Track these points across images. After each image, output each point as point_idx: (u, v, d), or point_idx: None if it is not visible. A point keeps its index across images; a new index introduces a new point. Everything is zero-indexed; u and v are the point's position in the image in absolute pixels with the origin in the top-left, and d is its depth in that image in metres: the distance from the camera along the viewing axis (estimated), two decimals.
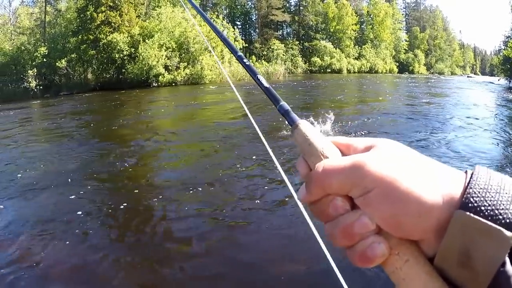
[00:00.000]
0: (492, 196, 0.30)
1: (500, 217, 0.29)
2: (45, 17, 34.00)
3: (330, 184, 0.37)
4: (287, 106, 0.53)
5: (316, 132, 0.44)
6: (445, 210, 0.31)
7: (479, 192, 0.30)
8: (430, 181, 0.33)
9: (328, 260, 0.55)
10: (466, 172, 0.33)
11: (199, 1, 35.62)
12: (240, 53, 0.74)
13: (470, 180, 0.31)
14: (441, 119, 10.62)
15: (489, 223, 0.29)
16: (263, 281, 3.07)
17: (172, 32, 28.48)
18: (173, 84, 27.21)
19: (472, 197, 0.30)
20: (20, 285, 3.10)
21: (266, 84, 0.58)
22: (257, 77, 0.61)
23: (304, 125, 0.46)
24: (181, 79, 27.46)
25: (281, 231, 3.89)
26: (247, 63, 0.67)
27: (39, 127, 12.87)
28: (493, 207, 0.29)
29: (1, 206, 4.92)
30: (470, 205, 0.30)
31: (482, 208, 0.30)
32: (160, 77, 26.82)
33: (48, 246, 3.71)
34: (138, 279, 3.22)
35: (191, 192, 5.02)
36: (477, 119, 10.86)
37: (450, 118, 10.84)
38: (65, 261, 3.49)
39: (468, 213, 0.30)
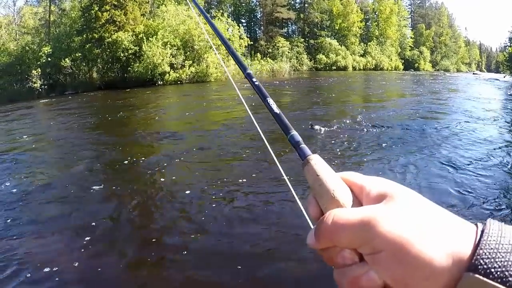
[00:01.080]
0: (502, 257, 0.30)
1: (510, 278, 0.28)
2: (49, 16, 33.94)
3: (339, 239, 0.36)
4: (298, 137, 0.51)
5: (327, 170, 0.43)
6: (454, 272, 0.31)
7: (489, 253, 0.30)
8: (441, 241, 0.32)
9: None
10: (477, 226, 0.33)
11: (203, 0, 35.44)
12: (249, 71, 0.71)
13: (480, 239, 0.31)
14: (453, 115, 10.36)
15: (498, 285, 0.28)
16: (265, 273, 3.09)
17: (177, 30, 28.26)
18: (179, 82, 26.99)
19: (482, 258, 0.30)
20: (26, 282, 3.07)
21: (276, 109, 0.57)
22: (267, 100, 0.59)
23: (315, 161, 0.45)
24: (186, 78, 27.24)
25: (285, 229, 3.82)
26: (256, 83, 0.65)
27: (44, 126, 12.80)
28: (504, 269, 0.29)
29: (8, 202, 4.94)
30: (479, 267, 0.30)
31: (492, 270, 0.29)
32: (166, 75, 26.62)
33: (53, 244, 3.71)
34: (138, 274, 3.20)
35: (196, 188, 4.99)
36: (488, 111, 10.71)
37: (461, 113, 10.59)
38: (69, 256, 3.49)
39: (477, 275, 0.29)
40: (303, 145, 0.49)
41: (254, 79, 0.67)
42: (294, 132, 0.51)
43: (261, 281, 3.02)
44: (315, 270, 3.03)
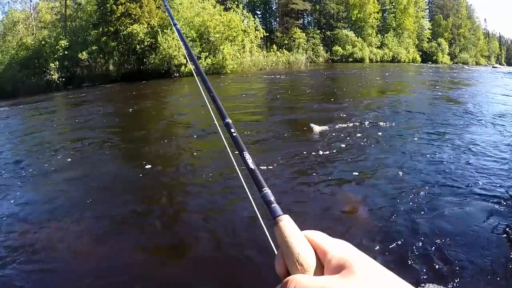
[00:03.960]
0: None
1: None
2: (65, 10, 34.17)
3: None
4: (270, 195, 0.53)
5: (295, 233, 0.46)
6: None
7: None
8: None
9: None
10: None
11: None
12: (228, 120, 0.71)
13: None
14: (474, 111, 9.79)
15: None
16: None
17: (192, 22, 28.07)
18: None
19: None
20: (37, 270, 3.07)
21: (251, 165, 0.59)
22: (243, 154, 0.61)
23: (284, 222, 0.47)
24: (202, 69, 26.96)
25: None
26: (234, 134, 0.66)
27: (62, 117, 12.94)
28: None
29: (24, 190, 5.05)
30: None
31: None
32: (182, 67, 26.47)
33: (71, 233, 3.70)
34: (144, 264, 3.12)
35: (208, 179, 4.84)
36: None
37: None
38: (85, 240, 3.52)
39: None
40: (275, 205, 0.51)
41: (232, 130, 0.67)
42: (267, 191, 0.53)
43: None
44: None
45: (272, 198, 0.51)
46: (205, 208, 4.03)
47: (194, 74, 0.95)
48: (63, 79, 28.66)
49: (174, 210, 4.15)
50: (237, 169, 0.69)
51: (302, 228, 0.48)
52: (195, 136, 7.35)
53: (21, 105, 18.38)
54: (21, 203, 4.54)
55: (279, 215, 0.48)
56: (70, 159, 6.42)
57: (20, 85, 29.04)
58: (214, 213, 3.89)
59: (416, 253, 2.97)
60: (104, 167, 5.81)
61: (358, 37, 41.79)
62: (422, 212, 3.66)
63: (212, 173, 4.92)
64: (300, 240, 0.45)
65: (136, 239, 3.51)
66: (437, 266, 2.80)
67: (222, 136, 0.78)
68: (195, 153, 6.09)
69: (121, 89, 21.77)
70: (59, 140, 8.36)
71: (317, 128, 7.04)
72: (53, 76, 28.38)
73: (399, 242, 3.13)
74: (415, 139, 6.46)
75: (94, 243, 3.49)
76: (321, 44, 38.11)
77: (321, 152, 5.69)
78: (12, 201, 4.60)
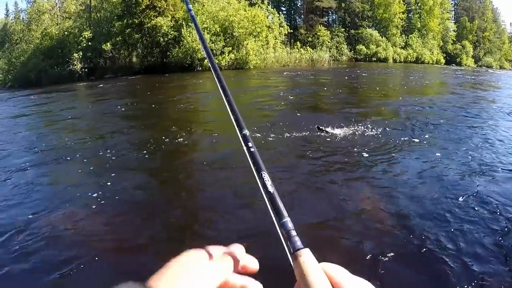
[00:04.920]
0: None
1: None
2: (90, 1, 34.21)
3: None
4: (290, 225, 0.48)
5: (314, 269, 0.44)
6: None
7: None
8: None
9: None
10: None
11: None
12: (246, 131, 0.62)
13: None
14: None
15: None
16: None
17: (216, 16, 27.74)
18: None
19: None
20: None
21: (270, 187, 0.52)
22: (262, 174, 0.53)
23: (304, 258, 0.45)
24: (225, 64, 26.73)
25: None
26: (252, 149, 0.58)
27: (85, 107, 13.03)
28: None
29: (48, 174, 5.28)
30: None
31: None
32: (205, 61, 26.19)
33: (90, 218, 3.75)
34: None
35: (226, 174, 4.90)
36: None
37: None
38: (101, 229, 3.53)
39: None
40: (295, 236, 0.47)
41: (250, 144, 0.58)
42: (286, 219, 0.49)
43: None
44: None
45: (291, 227, 0.47)
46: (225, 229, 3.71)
47: (210, 68, 0.83)
48: (86, 70, 28.68)
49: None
50: (263, 193, 0.52)
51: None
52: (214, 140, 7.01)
53: (44, 93, 18.36)
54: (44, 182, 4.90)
55: (299, 249, 0.45)
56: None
57: (43, 74, 29.22)
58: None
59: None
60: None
61: (382, 37, 40.94)
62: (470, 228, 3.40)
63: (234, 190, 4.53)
64: (319, 277, 0.43)
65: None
66: None
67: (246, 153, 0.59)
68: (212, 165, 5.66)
69: (144, 81, 21.67)
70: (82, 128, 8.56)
71: (325, 130, 6.78)
72: (75, 67, 28.42)
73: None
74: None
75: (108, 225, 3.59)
76: (345, 43, 37.39)
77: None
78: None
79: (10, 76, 32.96)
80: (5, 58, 34.76)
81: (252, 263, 0.51)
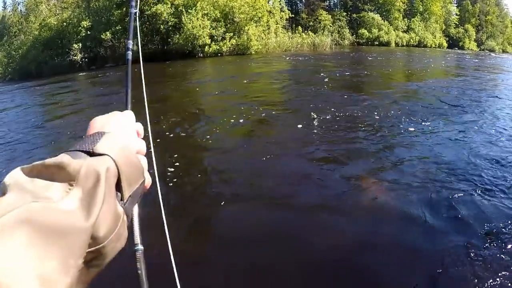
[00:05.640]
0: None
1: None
2: None
3: None
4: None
5: None
6: None
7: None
8: None
9: None
10: None
11: None
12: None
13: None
14: None
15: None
16: None
17: (216, 2, 27.36)
18: (219, 54, 26.25)
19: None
20: None
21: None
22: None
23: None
24: (226, 50, 26.43)
25: None
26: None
27: (86, 96, 12.95)
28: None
29: None
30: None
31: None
32: (206, 47, 25.91)
33: None
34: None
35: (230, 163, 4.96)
36: None
37: None
38: None
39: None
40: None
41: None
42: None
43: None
44: None
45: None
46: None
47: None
48: (86, 60, 28.41)
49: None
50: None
51: None
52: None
53: (45, 85, 18.18)
54: None
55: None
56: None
57: (43, 66, 28.96)
58: None
59: None
60: None
61: (384, 21, 40.40)
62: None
63: None
64: None
65: None
66: None
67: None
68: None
69: (145, 69, 21.36)
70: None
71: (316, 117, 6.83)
72: (76, 57, 28.14)
73: None
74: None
75: None
76: (347, 27, 36.87)
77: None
78: None
79: (10, 69, 32.70)
80: (4, 51, 34.47)
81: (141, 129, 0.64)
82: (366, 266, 2.73)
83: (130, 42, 1.26)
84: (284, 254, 2.91)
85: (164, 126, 6.54)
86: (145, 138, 0.64)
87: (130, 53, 1.17)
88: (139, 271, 0.58)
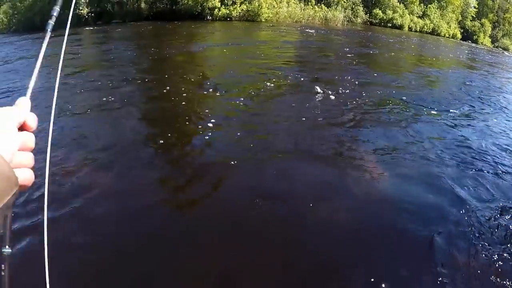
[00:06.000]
0: None
1: None
2: None
3: None
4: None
5: None
6: None
7: None
8: None
9: None
10: None
11: None
12: None
13: None
14: None
15: None
16: None
17: None
18: (228, 19, 25.62)
19: None
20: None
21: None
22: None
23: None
24: (236, 15, 25.78)
25: None
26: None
27: (90, 53, 12.72)
28: None
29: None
30: None
31: None
32: (215, 10, 25.26)
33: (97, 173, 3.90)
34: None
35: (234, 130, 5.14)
36: None
37: None
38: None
39: None
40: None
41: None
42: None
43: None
44: None
45: None
46: None
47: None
48: (92, 14, 27.78)
49: None
50: None
51: None
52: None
53: (50, 38, 17.66)
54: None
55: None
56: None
57: (48, 18, 28.29)
58: None
59: None
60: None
61: (400, 3, 39.35)
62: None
63: None
64: None
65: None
66: None
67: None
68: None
69: (153, 28, 20.92)
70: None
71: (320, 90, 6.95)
72: (82, 11, 27.51)
73: None
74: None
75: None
76: (361, 5, 35.86)
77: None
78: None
79: (14, 20, 32.09)
80: (9, 2, 33.79)
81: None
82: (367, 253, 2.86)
83: (57, 8, 0.94)
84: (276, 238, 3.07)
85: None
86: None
87: (51, 23, 0.87)
88: (3, 273, 0.57)
